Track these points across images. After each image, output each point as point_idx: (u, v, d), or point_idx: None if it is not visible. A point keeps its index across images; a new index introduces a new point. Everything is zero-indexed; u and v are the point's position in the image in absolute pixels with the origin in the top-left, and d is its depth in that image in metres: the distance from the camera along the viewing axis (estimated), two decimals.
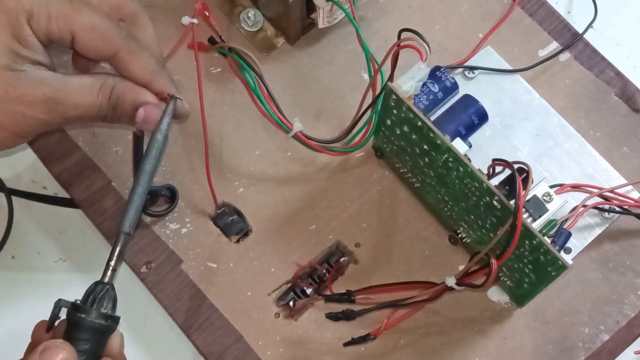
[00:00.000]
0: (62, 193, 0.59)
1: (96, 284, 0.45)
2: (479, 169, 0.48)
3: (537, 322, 0.55)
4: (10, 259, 0.59)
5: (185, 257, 0.56)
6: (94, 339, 0.44)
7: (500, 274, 0.53)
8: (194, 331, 0.55)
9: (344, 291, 0.54)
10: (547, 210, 0.50)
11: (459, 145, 0.49)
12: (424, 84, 0.57)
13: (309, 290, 0.56)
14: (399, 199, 0.58)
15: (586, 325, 0.55)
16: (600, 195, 0.55)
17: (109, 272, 0.45)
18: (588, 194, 0.55)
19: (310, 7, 0.58)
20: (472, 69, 0.60)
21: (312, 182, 0.58)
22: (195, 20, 0.55)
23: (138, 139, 0.51)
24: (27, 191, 0.61)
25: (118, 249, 0.46)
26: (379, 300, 0.52)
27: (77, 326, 0.43)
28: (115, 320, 0.45)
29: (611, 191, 0.56)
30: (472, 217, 0.52)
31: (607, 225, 0.57)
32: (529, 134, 0.59)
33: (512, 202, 0.47)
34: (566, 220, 0.53)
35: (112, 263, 0.45)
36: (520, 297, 0.53)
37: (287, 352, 0.54)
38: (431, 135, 0.49)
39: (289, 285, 0.56)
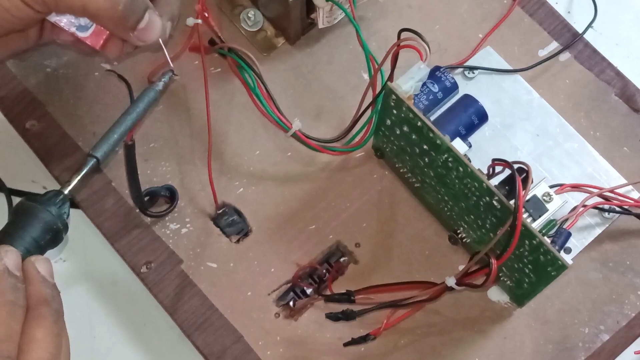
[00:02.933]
0: None
1: (52, 190, 0.46)
2: (479, 169, 0.48)
3: (537, 322, 0.55)
4: None
5: (185, 257, 0.56)
6: (41, 232, 0.45)
7: (500, 274, 0.53)
8: (194, 331, 0.55)
9: (344, 291, 0.54)
10: (547, 210, 0.50)
11: (458, 145, 0.49)
12: (424, 84, 0.57)
13: (309, 290, 0.56)
14: (399, 199, 0.58)
15: (586, 325, 0.55)
16: (600, 195, 0.55)
17: (68, 186, 0.47)
18: (588, 194, 0.55)
19: (310, 7, 0.58)
20: (472, 69, 0.60)
21: (312, 182, 0.58)
22: (199, 21, 0.55)
23: (129, 148, 0.51)
24: (27, 191, 0.61)
25: (85, 169, 0.48)
26: (379, 300, 0.52)
27: (29, 214, 0.44)
28: (62, 221, 0.46)
29: (611, 191, 0.56)
30: (472, 217, 0.52)
31: (607, 225, 0.57)
32: (529, 134, 0.59)
33: (512, 202, 0.47)
34: (566, 220, 0.53)
35: (73, 180, 0.47)
36: (520, 297, 0.53)
37: (287, 352, 0.54)
38: (431, 135, 0.49)
39: (289, 285, 0.56)
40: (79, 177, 0.48)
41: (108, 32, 0.49)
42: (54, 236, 0.46)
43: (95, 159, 0.48)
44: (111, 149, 0.49)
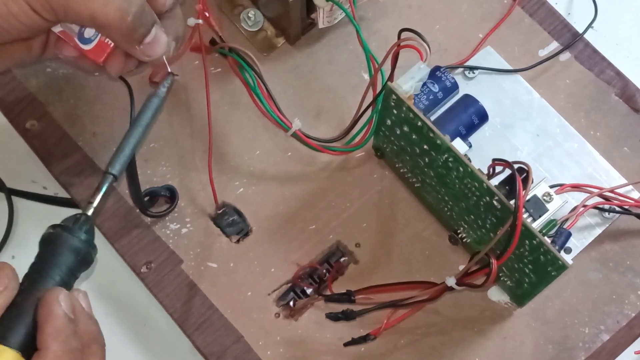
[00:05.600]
0: (62, 193, 0.59)
1: (75, 214, 0.46)
2: (479, 169, 0.48)
3: (537, 322, 0.55)
4: (11, 259, 0.59)
5: (185, 257, 0.56)
6: (76, 262, 0.44)
7: (500, 274, 0.53)
8: (194, 331, 0.55)
9: (344, 291, 0.54)
10: (547, 210, 0.50)
11: (459, 145, 0.49)
12: (424, 84, 0.57)
13: (309, 290, 0.56)
14: (399, 199, 0.58)
15: (586, 325, 0.55)
16: (601, 195, 0.55)
17: (91, 207, 0.46)
18: (588, 194, 0.55)
19: (310, 7, 0.58)
20: (472, 69, 0.60)
21: (312, 182, 0.58)
22: (200, 21, 0.55)
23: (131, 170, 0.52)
24: (27, 191, 0.61)
25: (103, 188, 0.47)
26: (379, 300, 0.52)
27: (60, 244, 0.44)
28: (92, 246, 0.45)
29: (611, 191, 0.56)
30: (472, 217, 0.52)
31: (607, 225, 0.57)
32: (529, 134, 0.59)
33: (512, 202, 0.47)
34: (566, 220, 0.53)
35: (94, 200, 0.46)
36: (520, 297, 0.53)
37: (287, 352, 0.54)
38: (431, 135, 0.49)
39: (289, 285, 0.56)
40: (99, 197, 0.47)
41: (111, 46, 0.48)
42: (87, 262, 0.45)
43: (112, 176, 0.47)
44: (126, 163, 0.48)
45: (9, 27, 0.45)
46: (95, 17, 0.45)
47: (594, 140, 0.59)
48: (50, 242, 0.44)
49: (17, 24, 0.45)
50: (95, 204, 0.46)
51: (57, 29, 0.49)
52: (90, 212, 0.46)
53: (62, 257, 0.44)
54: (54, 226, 0.44)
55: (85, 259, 0.45)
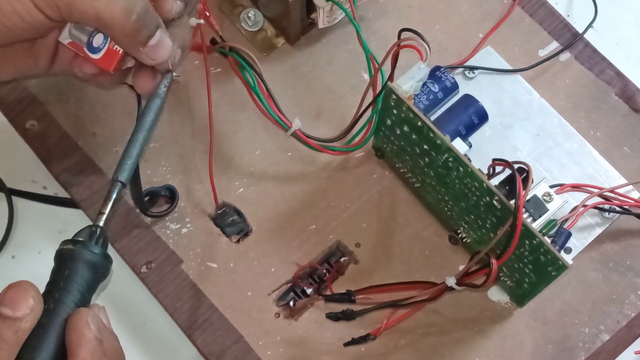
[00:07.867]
0: (62, 193, 0.59)
1: (89, 226, 0.45)
2: (479, 169, 0.48)
3: (537, 322, 0.55)
4: (11, 259, 0.59)
5: (185, 257, 0.56)
6: (93, 277, 0.44)
7: (500, 274, 0.53)
8: (194, 331, 0.55)
9: (344, 291, 0.54)
10: (547, 210, 0.50)
11: (459, 145, 0.49)
12: (424, 84, 0.57)
13: (309, 290, 0.56)
14: (399, 199, 0.58)
15: (586, 325, 0.55)
16: (601, 195, 0.55)
17: (102, 217, 0.46)
18: (588, 194, 0.55)
19: (310, 7, 0.58)
20: (472, 69, 0.60)
21: (312, 182, 0.58)
22: (202, 21, 0.55)
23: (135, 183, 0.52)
24: (27, 191, 0.61)
25: (113, 196, 0.46)
26: (379, 300, 0.52)
27: (76, 260, 0.43)
28: (109, 259, 0.45)
29: (611, 191, 0.56)
30: (472, 217, 0.52)
31: (607, 225, 0.57)
32: (529, 134, 0.59)
33: (512, 202, 0.47)
34: (566, 220, 0.53)
35: (105, 210, 0.46)
36: (520, 297, 0.53)
37: (287, 352, 0.55)
38: (431, 135, 0.49)
39: (289, 285, 0.56)
40: (109, 206, 0.46)
41: (120, 54, 0.48)
42: (104, 276, 0.45)
43: (121, 184, 0.47)
44: (133, 169, 0.48)
45: (13, 25, 0.45)
46: (100, 16, 0.45)
47: (594, 140, 0.59)
48: (68, 258, 0.43)
49: (21, 22, 0.45)
50: (106, 213, 0.46)
51: (66, 40, 0.48)
52: (102, 223, 0.46)
53: (82, 274, 0.43)
54: (71, 242, 0.44)
55: (103, 274, 0.45)
